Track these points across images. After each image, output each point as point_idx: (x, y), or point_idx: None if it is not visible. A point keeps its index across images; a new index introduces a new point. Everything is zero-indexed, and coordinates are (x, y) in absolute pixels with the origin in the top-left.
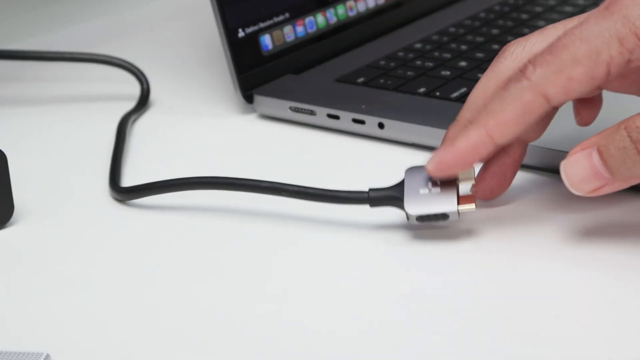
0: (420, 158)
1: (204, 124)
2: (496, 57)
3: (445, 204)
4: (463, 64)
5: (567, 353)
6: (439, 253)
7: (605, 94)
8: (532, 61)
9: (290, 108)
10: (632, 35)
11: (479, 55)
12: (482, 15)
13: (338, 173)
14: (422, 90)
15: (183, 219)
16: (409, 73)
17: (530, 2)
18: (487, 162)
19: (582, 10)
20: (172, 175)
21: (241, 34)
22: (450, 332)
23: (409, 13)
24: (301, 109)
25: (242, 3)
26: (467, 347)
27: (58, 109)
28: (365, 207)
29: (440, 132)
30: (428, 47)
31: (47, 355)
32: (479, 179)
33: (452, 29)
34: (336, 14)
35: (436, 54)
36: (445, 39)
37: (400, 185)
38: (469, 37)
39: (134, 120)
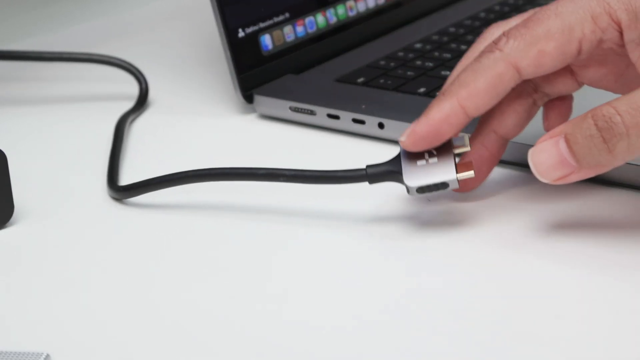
0: None
1: (204, 124)
2: (477, 38)
3: (443, 173)
4: None
5: (567, 353)
6: (439, 253)
7: (581, 95)
8: (506, 33)
9: (290, 108)
10: (605, 15)
11: None
12: (482, 15)
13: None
14: (422, 90)
15: (183, 218)
16: (409, 73)
17: (530, 2)
18: (464, 155)
19: None
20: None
21: (241, 34)
22: (450, 331)
23: (409, 13)
24: (301, 109)
25: (242, 3)
26: (466, 347)
27: (58, 109)
28: (362, 203)
29: None
30: (428, 47)
31: (47, 355)
32: None
33: (452, 29)
34: (336, 14)
35: (436, 54)
36: (445, 39)
37: (397, 159)
38: (469, 37)
39: (133, 120)
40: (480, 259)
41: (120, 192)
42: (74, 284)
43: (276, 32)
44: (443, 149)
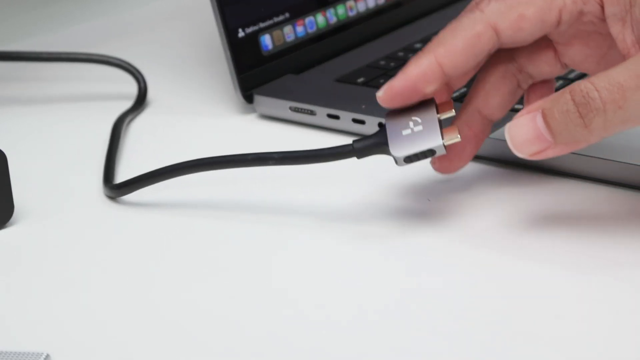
0: None
1: (204, 123)
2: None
3: (429, 139)
4: None
5: (567, 353)
6: (439, 253)
7: None
8: None
9: (290, 108)
10: None
11: None
12: None
13: (338, 173)
14: None
15: (183, 218)
16: None
17: None
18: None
19: None
20: None
21: (241, 34)
22: (450, 331)
23: (409, 13)
24: (301, 109)
25: (242, 3)
26: (466, 347)
27: (57, 109)
28: (362, 202)
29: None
30: None
31: (47, 355)
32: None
33: None
34: (336, 14)
35: None
36: None
37: (382, 131)
38: None
39: (131, 120)
40: (479, 259)
41: (115, 190)
42: (74, 284)
43: (276, 32)
44: (428, 115)
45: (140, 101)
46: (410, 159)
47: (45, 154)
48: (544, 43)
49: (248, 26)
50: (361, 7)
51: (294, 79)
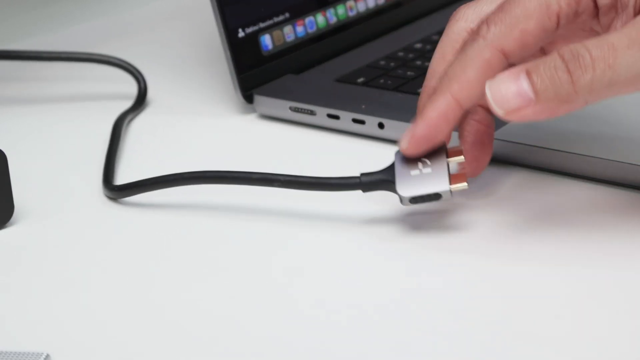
0: None
1: (204, 123)
2: (449, 22)
3: (437, 183)
4: None
5: (567, 353)
6: (439, 253)
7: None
8: (485, 21)
9: (290, 108)
10: None
11: None
12: None
13: (338, 173)
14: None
15: (183, 218)
16: (409, 73)
17: None
18: (462, 137)
19: None
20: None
21: (241, 34)
22: (450, 331)
23: (409, 13)
24: (301, 109)
25: (242, 3)
26: (466, 347)
27: (58, 108)
28: (362, 202)
29: None
30: (428, 47)
31: (47, 355)
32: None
33: None
34: (336, 14)
35: None
36: None
37: (391, 168)
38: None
39: (131, 120)
40: (480, 259)
41: (115, 191)
42: (74, 284)
43: (276, 32)
44: (437, 159)
45: (140, 101)
46: (415, 200)
47: (45, 154)
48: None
49: (248, 26)
50: (361, 7)
51: (294, 79)
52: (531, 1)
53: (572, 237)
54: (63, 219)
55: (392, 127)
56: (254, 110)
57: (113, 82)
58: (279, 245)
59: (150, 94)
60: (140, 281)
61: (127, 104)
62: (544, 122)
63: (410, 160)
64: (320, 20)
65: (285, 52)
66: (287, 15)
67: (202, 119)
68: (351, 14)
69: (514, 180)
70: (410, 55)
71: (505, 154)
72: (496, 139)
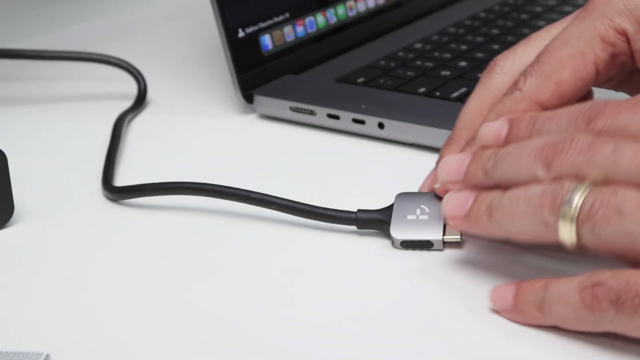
0: (420, 158)
1: (204, 123)
2: (485, 73)
3: (430, 231)
4: (463, 64)
5: (567, 353)
6: (438, 254)
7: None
8: (522, 73)
9: (290, 108)
10: (611, 30)
11: (479, 55)
12: (482, 15)
13: (338, 173)
14: (422, 90)
15: (183, 218)
16: (409, 73)
17: (530, 2)
18: None
19: None
20: (168, 175)
21: (241, 34)
22: (451, 331)
23: (409, 13)
24: (301, 109)
25: (242, 3)
26: (467, 347)
27: (57, 108)
28: (362, 204)
29: (440, 132)
30: (428, 47)
31: (47, 355)
32: None
33: (452, 29)
34: (336, 14)
35: (436, 54)
36: (445, 39)
37: (389, 209)
38: (469, 37)
39: (131, 120)
40: (479, 259)
41: (115, 193)
42: (74, 284)
43: (276, 32)
44: (436, 208)
45: (140, 101)
46: (407, 244)
47: (45, 154)
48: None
49: (248, 26)
50: (361, 7)
51: (294, 79)
52: (565, 50)
53: None
54: (63, 219)
55: (392, 127)
56: (254, 110)
57: (113, 82)
58: (279, 246)
59: (150, 94)
60: (140, 281)
61: (127, 104)
62: None
63: (409, 204)
64: (320, 20)
65: (285, 52)
66: (287, 15)
67: (202, 119)
68: (351, 14)
69: None
70: (410, 55)
71: None
72: None
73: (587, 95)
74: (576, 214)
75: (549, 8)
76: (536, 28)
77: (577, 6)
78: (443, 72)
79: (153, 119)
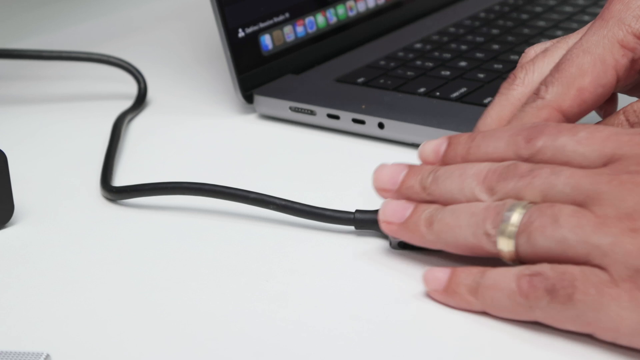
0: None
1: (204, 123)
2: (505, 85)
3: None
4: (463, 64)
5: (567, 353)
6: (439, 257)
7: None
8: (543, 82)
9: (290, 108)
10: (630, 35)
11: (479, 55)
12: (482, 15)
13: (338, 173)
14: (422, 90)
15: (182, 218)
16: (409, 73)
17: (530, 2)
18: None
19: (582, 10)
20: (168, 175)
21: (241, 34)
22: (451, 332)
23: (409, 13)
24: (301, 109)
25: (242, 3)
26: (467, 348)
27: (57, 108)
28: (363, 205)
29: (440, 132)
30: (428, 47)
31: (47, 355)
32: None
33: (452, 29)
34: (336, 14)
35: (436, 54)
36: (445, 39)
37: None
38: (469, 37)
39: (130, 120)
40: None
41: (113, 193)
42: (74, 283)
43: (276, 32)
44: None
45: (140, 101)
46: (404, 245)
47: (45, 154)
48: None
49: (248, 26)
50: (361, 7)
51: (294, 79)
52: (585, 58)
53: None
54: (63, 219)
55: (392, 127)
56: (254, 110)
57: (112, 81)
58: (279, 246)
59: (150, 94)
60: (140, 281)
61: (127, 103)
62: None
63: None
64: (320, 20)
65: (285, 52)
66: (287, 15)
67: (202, 119)
68: (351, 14)
69: None
70: (410, 55)
71: None
72: None
73: (612, 100)
74: (515, 230)
75: (549, 8)
76: (536, 28)
77: (577, 6)
78: (443, 72)
79: (153, 119)
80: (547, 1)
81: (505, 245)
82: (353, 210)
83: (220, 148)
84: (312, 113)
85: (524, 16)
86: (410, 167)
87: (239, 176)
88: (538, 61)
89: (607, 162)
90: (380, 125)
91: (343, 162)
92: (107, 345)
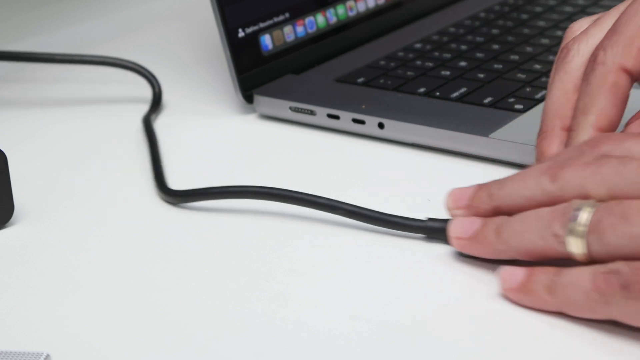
0: (420, 158)
1: (204, 123)
2: (560, 59)
3: None
4: (463, 64)
5: (567, 353)
6: (439, 255)
7: None
8: (600, 47)
9: (290, 108)
10: None
11: (479, 55)
12: (482, 15)
13: (338, 173)
14: (422, 90)
15: (183, 218)
16: (409, 73)
17: (530, 2)
18: None
19: (582, 10)
20: (168, 175)
21: (241, 34)
22: (451, 332)
23: (409, 13)
24: (301, 109)
25: (242, 3)
26: (467, 348)
27: (57, 109)
28: (366, 204)
29: (440, 132)
30: (428, 47)
31: (47, 355)
32: None
33: (452, 29)
34: (336, 14)
35: (436, 54)
36: (445, 39)
37: None
38: (469, 37)
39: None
40: (480, 261)
41: (176, 197)
42: (74, 284)
43: (276, 32)
44: None
45: (156, 103)
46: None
47: (45, 154)
48: None
49: (248, 26)
50: (361, 7)
51: (294, 79)
52: None
53: None
54: (63, 219)
55: (392, 127)
56: (254, 110)
57: (110, 83)
58: (279, 246)
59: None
60: (140, 281)
61: (127, 104)
62: None
63: None
64: (320, 20)
65: (285, 52)
66: (287, 15)
67: (202, 119)
68: (351, 14)
69: None
70: (410, 55)
71: (506, 156)
72: (501, 140)
73: None
74: (585, 230)
75: (549, 8)
76: (536, 28)
77: (577, 6)
78: (443, 72)
79: (152, 119)
80: (547, 1)
81: (576, 245)
82: (424, 218)
83: (220, 148)
84: (312, 113)
85: (524, 16)
86: (480, 184)
87: (239, 176)
88: (590, 30)
89: None
90: (380, 125)
91: (343, 162)
92: (107, 345)
